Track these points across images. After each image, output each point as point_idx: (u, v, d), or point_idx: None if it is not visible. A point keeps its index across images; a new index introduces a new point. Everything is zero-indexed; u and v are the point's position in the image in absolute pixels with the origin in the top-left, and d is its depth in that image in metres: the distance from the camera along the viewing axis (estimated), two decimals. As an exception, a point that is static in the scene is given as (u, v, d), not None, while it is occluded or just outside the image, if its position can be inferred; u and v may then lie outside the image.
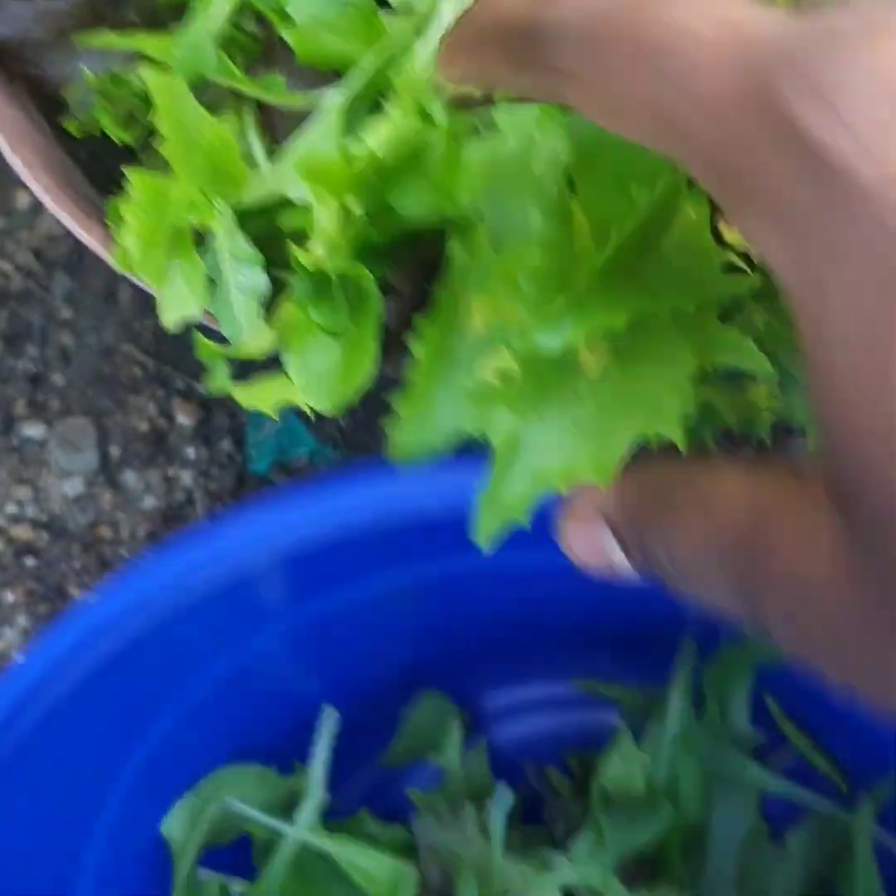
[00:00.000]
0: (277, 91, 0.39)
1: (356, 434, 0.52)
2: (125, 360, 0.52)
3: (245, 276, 0.35)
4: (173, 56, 0.36)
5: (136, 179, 0.34)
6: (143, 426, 0.52)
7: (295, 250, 0.33)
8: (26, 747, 0.37)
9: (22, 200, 0.54)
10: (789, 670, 0.45)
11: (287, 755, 0.47)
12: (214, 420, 0.52)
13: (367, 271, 0.33)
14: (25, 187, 0.38)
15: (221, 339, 0.34)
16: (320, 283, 0.35)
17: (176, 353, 0.52)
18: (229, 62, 0.37)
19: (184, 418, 0.52)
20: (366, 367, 0.32)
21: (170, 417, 0.53)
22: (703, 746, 0.44)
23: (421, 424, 0.30)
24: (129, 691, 0.39)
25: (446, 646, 0.47)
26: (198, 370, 0.51)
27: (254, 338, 0.36)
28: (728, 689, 0.44)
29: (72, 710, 0.37)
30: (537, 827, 0.47)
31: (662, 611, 0.43)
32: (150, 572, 0.35)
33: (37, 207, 0.53)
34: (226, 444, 0.52)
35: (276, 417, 0.34)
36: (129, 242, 0.32)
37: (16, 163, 0.37)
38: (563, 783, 0.47)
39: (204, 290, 0.34)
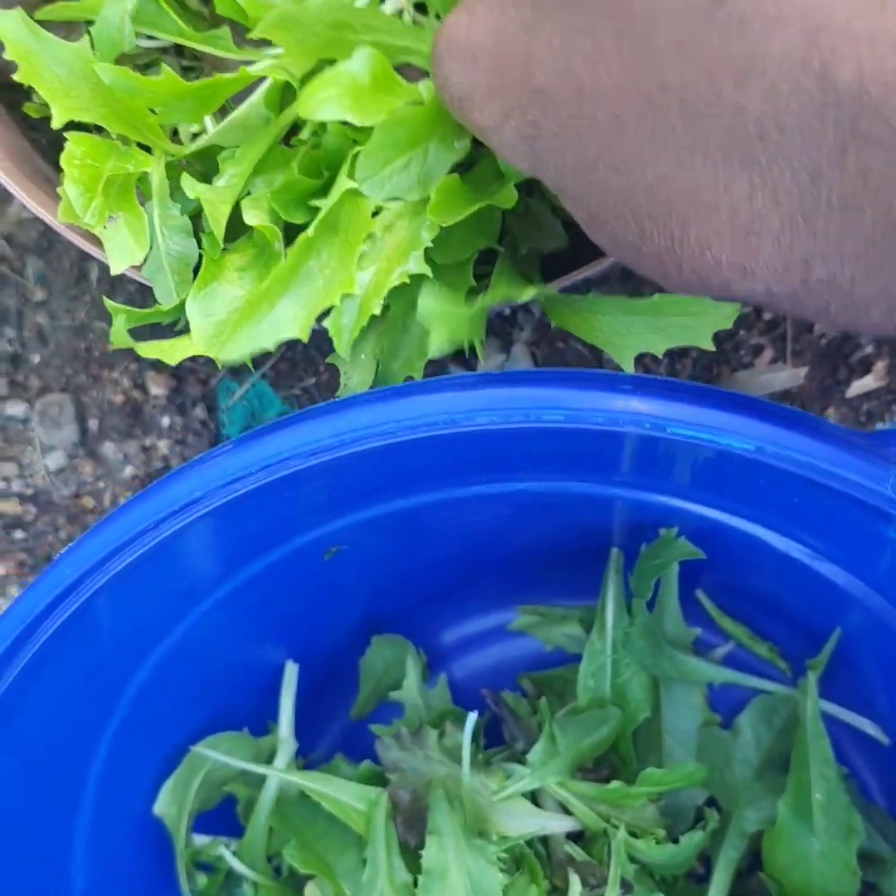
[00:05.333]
0: (224, 45, 0.40)
1: (323, 395, 0.54)
2: (99, 337, 0.54)
3: (176, 243, 0.37)
4: (94, 34, 0.38)
5: (73, 137, 0.36)
6: (119, 399, 0.54)
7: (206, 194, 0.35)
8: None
9: (-7, 190, 0.55)
10: (718, 568, 0.47)
11: (261, 719, 0.49)
12: (186, 389, 0.54)
13: (277, 231, 0.35)
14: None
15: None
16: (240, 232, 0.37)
17: (145, 327, 0.53)
18: (179, 20, 0.38)
19: (157, 389, 0.54)
20: (268, 319, 0.35)
21: (144, 389, 0.54)
22: (643, 650, 0.46)
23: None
24: (88, 678, 0.42)
25: (398, 593, 0.52)
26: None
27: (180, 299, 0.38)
28: (650, 583, 0.47)
29: (35, 682, 0.38)
30: (500, 748, 0.49)
31: (586, 527, 0.45)
32: (89, 550, 0.36)
33: (4, 195, 0.54)
34: (199, 412, 0.54)
35: (173, 363, 0.36)
36: (71, 192, 0.34)
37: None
38: (519, 703, 0.50)
39: (147, 238, 0.35)
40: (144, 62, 0.44)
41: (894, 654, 0.47)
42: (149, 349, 0.37)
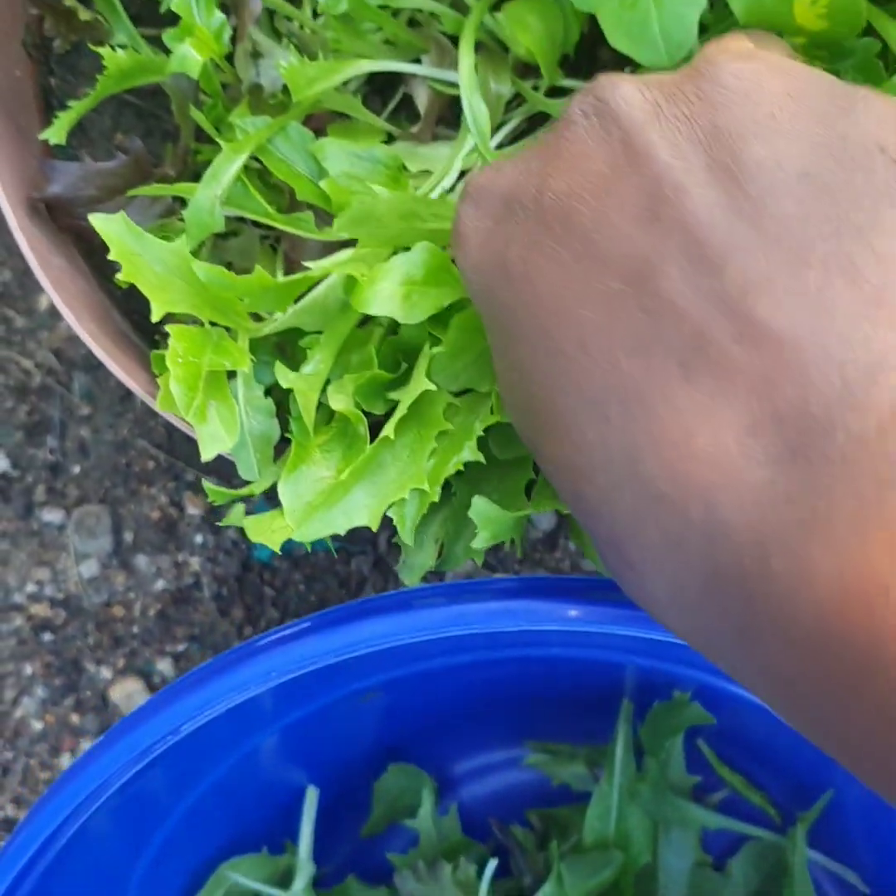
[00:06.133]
0: (307, 226, 0.43)
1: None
2: (139, 454, 0.56)
3: (259, 422, 0.40)
4: (186, 217, 0.40)
5: (175, 332, 0.38)
6: (155, 514, 0.57)
7: (298, 383, 0.38)
8: (53, 866, 0.41)
9: (43, 303, 0.58)
10: (722, 722, 0.50)
11: (278, 835, 0.53)
12: (221, 510, 0.56)
13: (361, 416, 0.38)
14: (45, 291, 0.42)
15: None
16: (324, 417, 0.39)
17: (186, 449, 0.56)
18: (264, 203, 0.41)
19: (193, 508, 0.57)
20: (341, 505, 0.37)
21: (180, 507, 0.57)
22: (647, 796, 0.49)
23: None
24: (139, 807, 0.46)
25: (416, 725, 0.55)
26: (206, 465, 0.55)
27: (264, 478, 0.40)
28: (664, 743, 0.50)
29: (90, 828, 0.41)
30: (507, 879, 0.52)
31: (599, 680, 0.48)
32: (162, 712, 0.39)
33: (54, 311, 0.56)
34: (231, 532, 0.57)
35: (275, 547, 0.38)
36: (176, 391, 0.36)
37: (64, 310, 0.41)
38: (527, 838, 0.53)
39: (237, 427, 0.38)
40: (224, 232, 0.46)
41: (878, 812, 0.51)
42: (255, 532, 0.40)
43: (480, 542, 0.40)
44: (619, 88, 0.30)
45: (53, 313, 0.59)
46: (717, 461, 0.25)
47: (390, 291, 0.40)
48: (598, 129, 0.30)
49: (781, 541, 0.24)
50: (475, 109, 0.40)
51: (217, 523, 0.58)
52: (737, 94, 0.28)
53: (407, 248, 0.43)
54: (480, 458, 0.40)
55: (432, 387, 0.39)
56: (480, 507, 0.39)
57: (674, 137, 0.28)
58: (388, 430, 0.39)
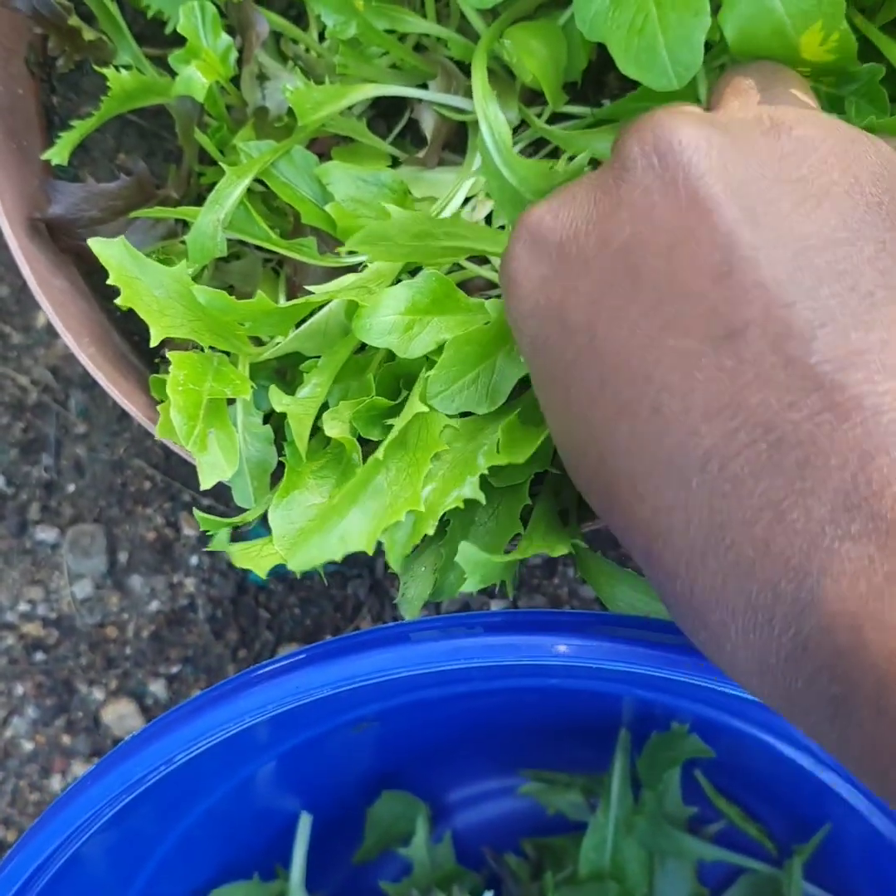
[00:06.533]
0: (309, 252, 0.42)
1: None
2: (135, 474, 0.56)
3: (256, 449, 0.39)
4: (188, 242, 0.40)
5: (176, 359, 0.38)
6: (151, 535, 0.56)
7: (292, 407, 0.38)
8: (45, 893, 0.41)
9: (40, 319, 0.58)
10: (721, 755, 0.50)
11: (270, 862, 0.53)
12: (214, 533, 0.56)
13: (356, 443, 0.37)
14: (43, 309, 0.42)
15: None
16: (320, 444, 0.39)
17: (183, 470, 0.56)
18: (266, 228, 0.41)
19: (188, 529, 0.56)
20: (336, 530, 0.37)
21: (176, 528, 0.56)
22: (643, 828, 0.49)
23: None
24: (132, 834, 0.46)
25: (410, 753, 0.55)
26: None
27: (259, 505, 0.40)
28: (662, 775, 0.50)
29: (82, 856, 0.41)
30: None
31: (596, 710, 0.48)
32: (157, 742, 0.38)
33: (51, 329, 0.56)
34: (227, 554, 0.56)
35: (262, 573, 0.38)
36: (176, 420, 0.36)
37: (64, 333, 0.41)
38: (521, 867, 0.52)
39: (237, 455, 0.37)
40: (226, 255, 0.46)
41: (876, 845, 0.51)
42: (242, 558, 0.39)
43: (470, 586, 0.39)
44: (683, 131, 0.29)
45: (51, 330, 0.59)
46: (811, 536, 0.25)
47: (391, 321, 0.40)
48: (660, 173, 0.29)
49: (876, 616, 0.24)
50: (491, 117, 0.40)
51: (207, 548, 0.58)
52: (806, 156, 0.29)
53: (414, 272, 0.43)
54: (482, 497, 0.39)
55: (426, 409, 0.39)
56: (468, 552, 0.38)
57: (742, 189, 0.28)
58: (380, 451, 0.39)
